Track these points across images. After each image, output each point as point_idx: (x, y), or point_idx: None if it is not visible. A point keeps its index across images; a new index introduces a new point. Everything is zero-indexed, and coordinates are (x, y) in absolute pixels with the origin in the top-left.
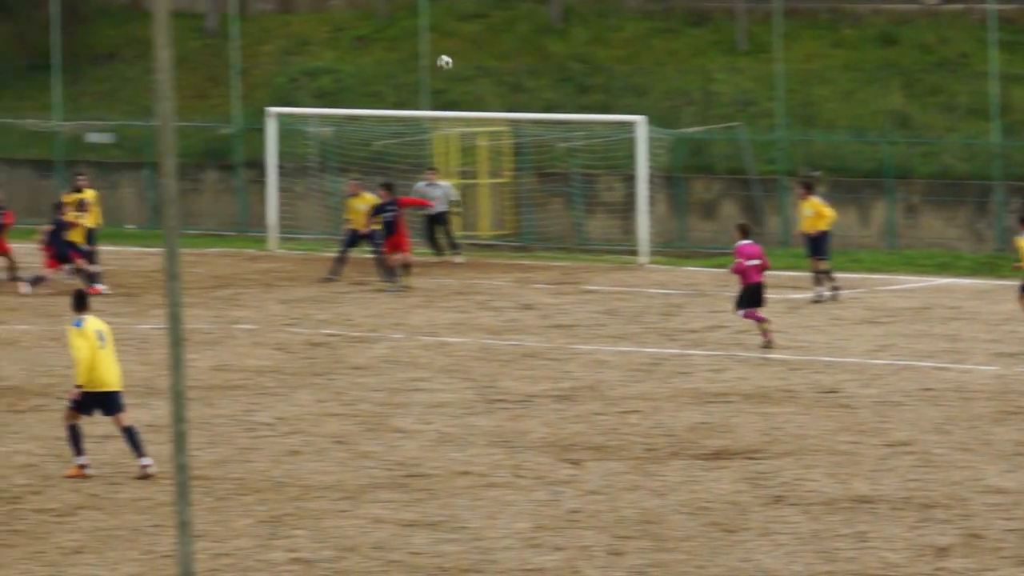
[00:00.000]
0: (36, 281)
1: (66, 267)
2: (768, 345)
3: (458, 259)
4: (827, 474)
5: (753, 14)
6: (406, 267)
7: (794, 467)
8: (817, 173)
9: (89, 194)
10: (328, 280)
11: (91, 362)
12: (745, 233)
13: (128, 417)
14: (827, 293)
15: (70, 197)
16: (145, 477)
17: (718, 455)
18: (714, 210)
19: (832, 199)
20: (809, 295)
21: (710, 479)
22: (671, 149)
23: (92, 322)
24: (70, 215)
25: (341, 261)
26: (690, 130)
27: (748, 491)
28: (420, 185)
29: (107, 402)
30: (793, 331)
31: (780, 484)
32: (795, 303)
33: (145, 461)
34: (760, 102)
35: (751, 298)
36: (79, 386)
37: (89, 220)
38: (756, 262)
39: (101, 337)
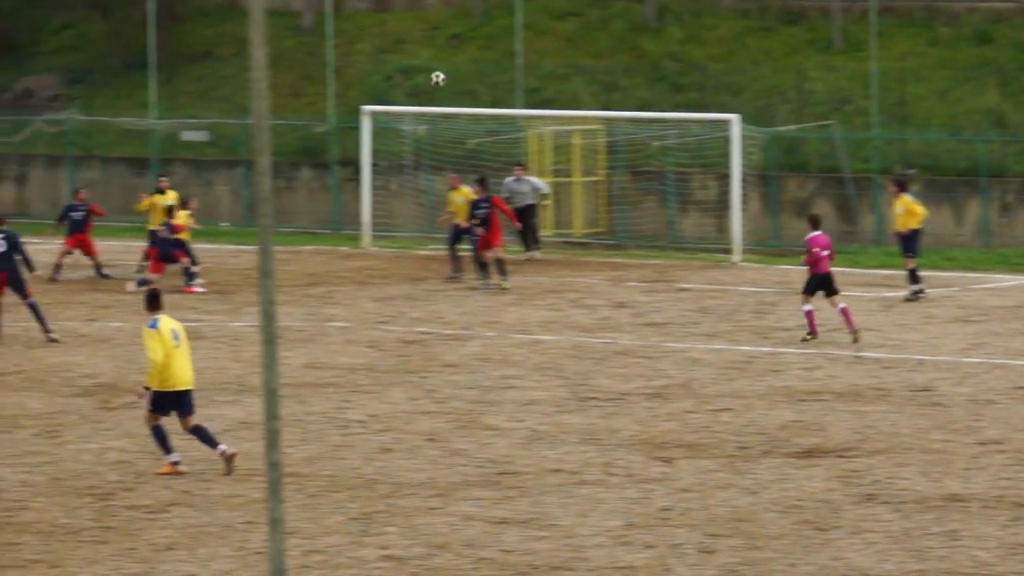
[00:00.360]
0: (143, 283)
1: (170, 268)
2: (810, 337)
3: (536, 255)
4: (919, 472)
5: (848, 12)
6: (501, 265)
7: (886, 465)
8: (912, 171)
9: (171, 196)
10: (452, 279)
11: (166, 363)
12: (815, 224)
13: (195, 419)
14: (905, 293)
15: (152, 199)
16: (230, 460)
17: (810, 453)
18: (807, 208)
19: (926, 198)
20: (902, 293)
21: (802, 477)
22: (765, 147)
23: (167, 322)
24: (180, 217)
25: (455, 258)
26: (784, 128)
27: (840, 489)
28: (508, 181)
29: (182, 401)
30: (886, 329)
31: (872, 482)
32: (888, 301)
33: (222, 447)
34: (855, 100)
35: (819, 287)
36: (147, 388)
37: (155, 220)
38: (826, 252)
39: (176, 336)
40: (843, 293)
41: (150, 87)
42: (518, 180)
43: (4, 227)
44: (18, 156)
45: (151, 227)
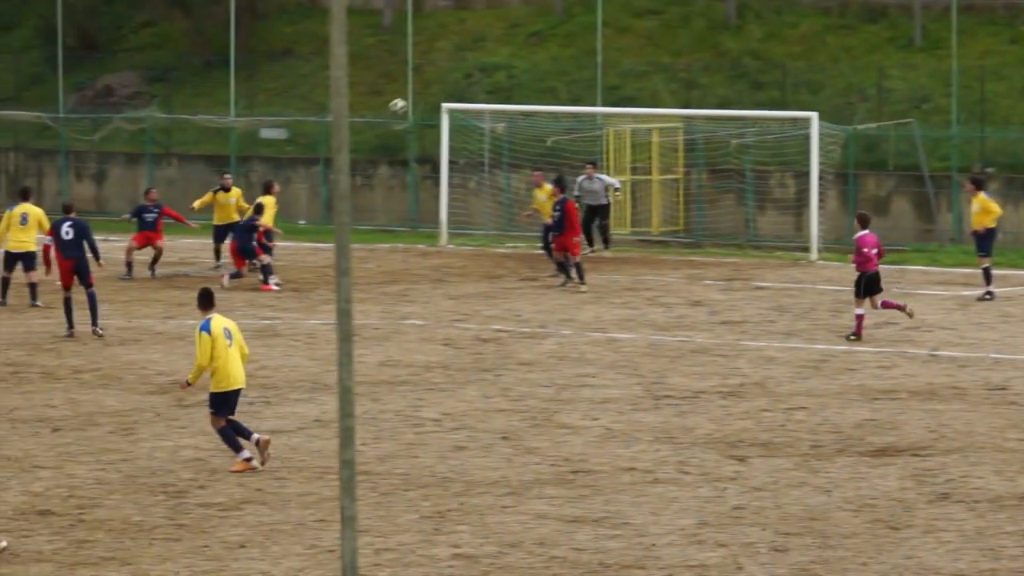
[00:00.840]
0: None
1: (249, 263)
2: (854, 338)
3: (606, 253)
4: (994, 471)
5: (929, 10)
6: (578, 268)
7: (960, 464)
8: (990, 170)
9: (235, 192)
10: (553, 277)
11: (220, 364)
12: (864, 223)
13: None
14: (979, 292)
15: (213, 196)
16: (264, 446)
17: (884, 452)
18: (886, 207)
19: (1005, 196)
20: (977, 292)
21: (875, 476)
22: (844, 146)
23: (219, 321)
24: (267, 217)
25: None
26: (863, 127)
27: (913, 488)
28: (581, 179)
29: (233, 400)
30: (963, 328)
31: (946, 481)
32: (965, 300)
33: (255, 436)
34: (935, 98)
35: (868, 286)
36: (188, 382)
37: (219, 217)
38: (875, 252)
39: (228, 335)
40: (922, 292)
41: (230, 85)
42: (589, 179)
43: (73, 215)
44: (97, 153)
45: (216, 223)
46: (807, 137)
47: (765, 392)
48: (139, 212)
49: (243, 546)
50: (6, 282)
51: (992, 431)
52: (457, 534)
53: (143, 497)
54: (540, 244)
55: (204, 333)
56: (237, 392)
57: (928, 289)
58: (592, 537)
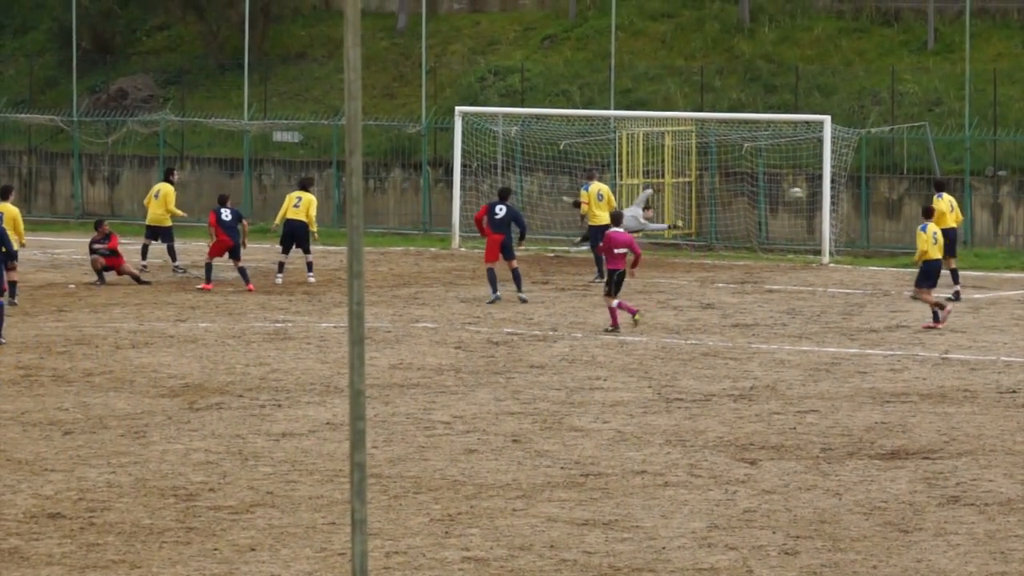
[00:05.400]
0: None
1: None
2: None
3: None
4: (1004, 474)
5: (942, 14)
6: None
7: (971, 467)
8: (1003, 173)
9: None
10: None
11: None
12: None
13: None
14: (979, 296)
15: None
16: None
17: (895, 455)
18: (898, 210)
19: (1017, 199)
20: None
21: (886, 479)
22: (857, 149)
23: None
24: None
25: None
26: (876, 130)
27: (924, 491)
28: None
29: None
30: (974, 331)
31: (956, 484)
32: (976, 303)
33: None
34: (947, 102)
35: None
36: None
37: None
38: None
39: None
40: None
41: (244, 88)
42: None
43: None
44: (111, 156)
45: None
46: (820, 140)
47: (776, 395)
48: (92, 245)
49: (253, 549)
50: None
51: (1003, 434)
52: (467, 537)
53: (153, 500)
54: (587, 246)
55: None
56: None
57: (939, 292)
58: (602, 540)
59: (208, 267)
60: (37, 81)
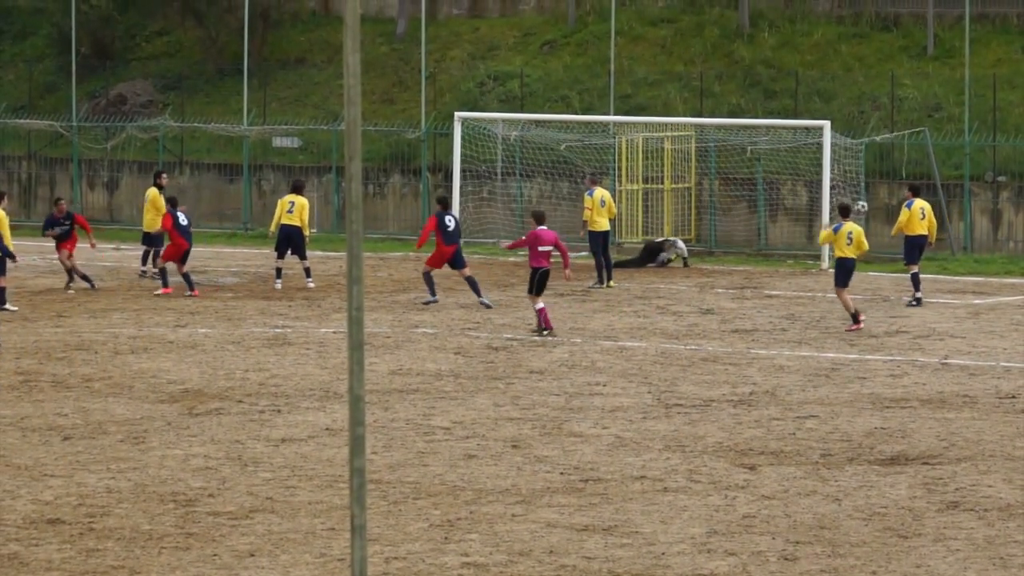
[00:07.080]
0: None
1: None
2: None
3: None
4: (1004, 480)
5: (942, 19)
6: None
7: (971, 473)
8: (1002, 178)
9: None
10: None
11: None
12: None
13: None
14: (979, 301)
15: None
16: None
17: (894, 460)
18: (897, 215)
19: (1017, 204)
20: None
21: (886, 484)
22: (856, 154)
23: None
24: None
25: (608, 266)
26: (878, 138)
27: (923, 497)
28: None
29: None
30: (973, 336)
31: (956, 490)
32: (976, 308)
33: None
34: (947, 107)
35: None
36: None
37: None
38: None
39: None
40: (933, 300)
41: (243, 93)
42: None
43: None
44: (110, 162)
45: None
46: (819, 146)
47: (776, 400)
48: (50, 225)
49: (253, 555)
50: None
51: (1002, 439)
52: (467, 543)
53: (153, 506)
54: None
55: None
56: None
57: (939, 297)
58: (602, 546)
59: (163, 271)
60: (36, 86)
